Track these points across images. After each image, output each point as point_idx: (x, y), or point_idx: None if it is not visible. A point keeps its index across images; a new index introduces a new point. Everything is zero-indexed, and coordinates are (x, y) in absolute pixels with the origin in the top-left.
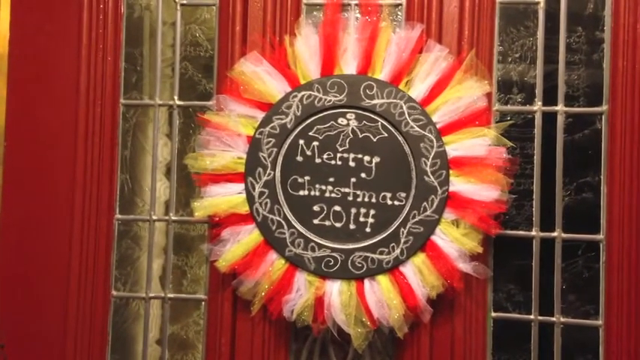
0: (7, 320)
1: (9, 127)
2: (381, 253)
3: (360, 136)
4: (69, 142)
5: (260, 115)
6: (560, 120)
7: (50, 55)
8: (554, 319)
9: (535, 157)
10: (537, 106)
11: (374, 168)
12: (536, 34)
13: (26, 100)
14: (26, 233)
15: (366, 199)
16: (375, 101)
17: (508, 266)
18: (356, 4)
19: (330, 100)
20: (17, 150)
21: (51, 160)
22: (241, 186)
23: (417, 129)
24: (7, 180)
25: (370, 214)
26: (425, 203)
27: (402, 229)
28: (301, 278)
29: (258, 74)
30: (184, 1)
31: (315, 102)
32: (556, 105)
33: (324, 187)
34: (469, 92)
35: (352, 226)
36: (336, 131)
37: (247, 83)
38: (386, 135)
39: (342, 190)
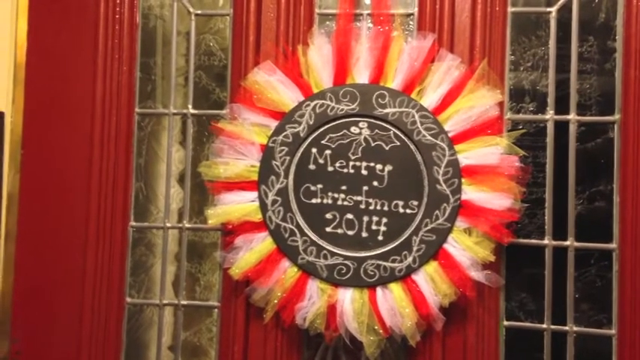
0: (22, 326)
1: (26, 135)
2: (394, 261)
3: (373, 145)
4: (85, 150)
5: (273, 123)
6: (573, 129)
7: (67, 64)
8: (566, 328)
9: (547, 165)
10: (549, 114)
11: (386, 176)
12: (547, 43)
13: (43, 109)
14: (42, 240)
15: (379, 207)
16: (388, 110)
17: (520, 275)
18: (368, 14)
19: (342, 109)
20: (34, 158)
21: (67, 168)
22: (254, 194)
23: (429, 138)
24: (24, 187)
25: (382, 222)
26: (437, 211)
27: (415, 237)
28: (314, 286)
29: (271, 83)
30: (198, 11)
31: (328, 111)
32: (568, 114)
33: (336, 195)
34: (481, 101)
35: (364, 234)
36: (348, 140)
37: (261, 92)
38: (398, 143)
39: (355, 198)
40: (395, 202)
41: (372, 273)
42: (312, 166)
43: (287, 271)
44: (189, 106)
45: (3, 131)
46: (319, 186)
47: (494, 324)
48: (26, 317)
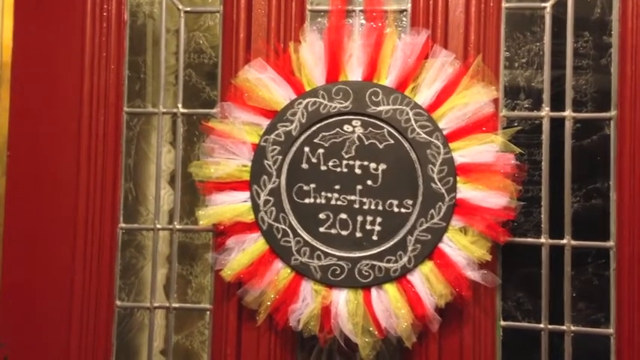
0: (10, 331)
1: (12, 137)
2: (388, 261)
3: (366, 143)
4: (72, 151)
5: (265, 122)
6: (568, 126)
7: (53, 63)
8: (564, 327)
9: (543, 163)
10: (545, 111)
11: (380, 175)
12: (542, 39)
13: (29, 109)
14: (30, 243)
15: (373, 207)
16: (381, 108)
17: (517, 274)
18: (361, 10)
19: (335, 107)
20: (20, 159)
21: (54, 169)
22: (246, 194)
23: (424, 135)
24: (11, 189)
25: (377, 222)
26: (432, 210)
27: (410, 236)
28: (307, 287)
29: (262, 81)
30: (188, 9)
31: (321, 109)
32: (564, 110)
33: (329, 195)
34: (476, 98)
35: (359, 234)
36: (341, 138)
37: (252, 90)
38: (392, 142)
39: (348, 197)
40: (389, 201)
41: (367, 273)
42: (304, 166)
43: (280, 273)
44: (179, 105)
45: None
46: (312, 185)
47: (490, 324)
48: (14, 321)
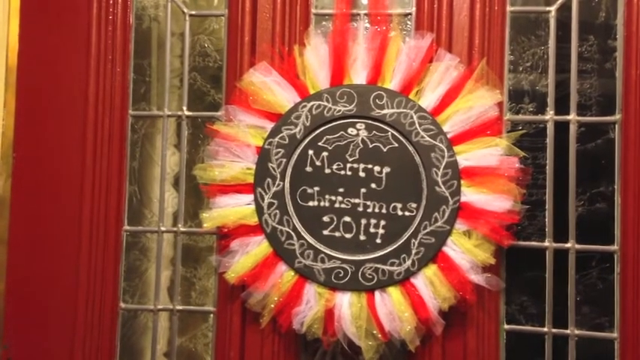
0: (14, 333)
1: (18, 139)
2: (392, 264)
3: (370, 146)
4: (77, 154)
5: (269, 125)
6: (573, 129)
7: (59, 66)
8: (568, 331)
9: (547, 167)
10: (549, 115)
11: (384, 178)
12: (547, 42)
13: (35, 112)
14: (34, 245)
15: (377, 210)
16: (385, 111)
17: (521, 278)
18: (365, 14)
19: (339, 110)
20: (26, 161)
21: (59, 172)
22: (250, 197)
23: (428, 139)
24: (16, 191)
25: (380, 225)
26: (436, 214)
27: (413, 240)
28: (311, 290)
29: (267, 84)
30: (193, 12)
31: (325, 112)
32: (568, 114)
33: (333, 198)
34: (480, 102)
35: (362, 237)
36: (345, 141)
37: (256, 93)
38: (396, 145)
39: (352, 200)
40: (393, 204)
41: (371, 277)
42: (308, 169)
43: (284, 275)
44: (184, 108)
45: None
46: (316, 188)
47: (494, 328)
48: (18, 323)
